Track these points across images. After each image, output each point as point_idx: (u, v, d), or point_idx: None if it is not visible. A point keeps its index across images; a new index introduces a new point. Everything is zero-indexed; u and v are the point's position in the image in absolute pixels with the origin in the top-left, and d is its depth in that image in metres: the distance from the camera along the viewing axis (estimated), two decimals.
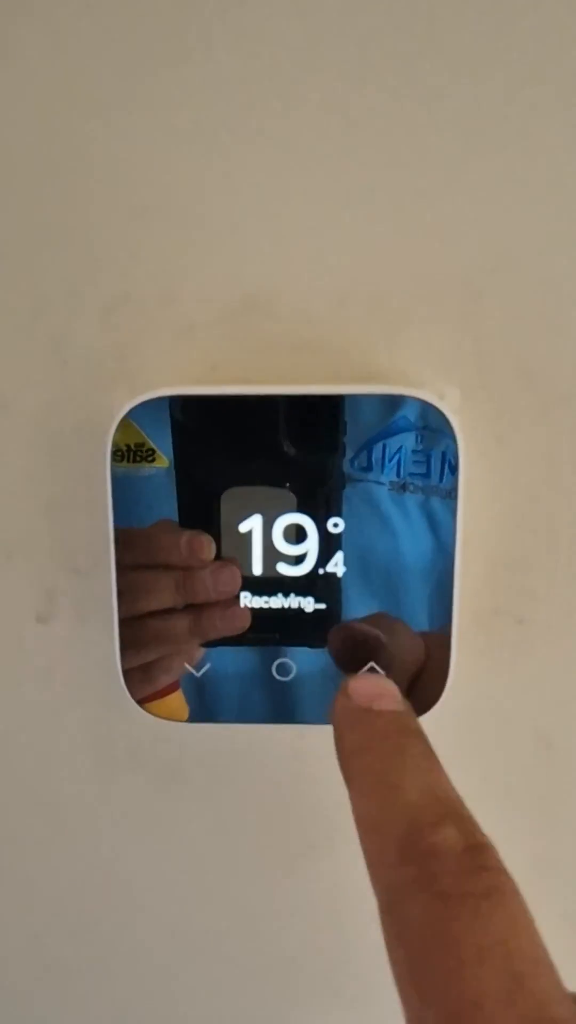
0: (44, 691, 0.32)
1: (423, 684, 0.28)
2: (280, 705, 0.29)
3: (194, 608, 0.28)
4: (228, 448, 0.27)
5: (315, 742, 0.31)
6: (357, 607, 0.28)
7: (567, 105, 0.26)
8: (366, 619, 0.28)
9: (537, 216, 0.27)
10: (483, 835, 0.19)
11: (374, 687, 0.24)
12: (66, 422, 0.29)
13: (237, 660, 0.28)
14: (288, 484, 0.27)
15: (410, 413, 0.26)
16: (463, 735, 0.31)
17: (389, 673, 0.27)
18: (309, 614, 0.28)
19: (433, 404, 0.26)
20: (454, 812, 0.20)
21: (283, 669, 0.28)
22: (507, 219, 0.27)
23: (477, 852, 0.18)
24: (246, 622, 0.28)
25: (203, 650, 0.28)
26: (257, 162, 0.27)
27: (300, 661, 0.28)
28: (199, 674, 0.28)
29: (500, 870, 0.18)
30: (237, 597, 0.28)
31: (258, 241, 0.28)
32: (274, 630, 0.28)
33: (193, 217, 0.28)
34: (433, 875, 0.18)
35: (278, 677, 0.28)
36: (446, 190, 0.27)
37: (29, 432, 0.29)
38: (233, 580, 0.28)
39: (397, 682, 0.25)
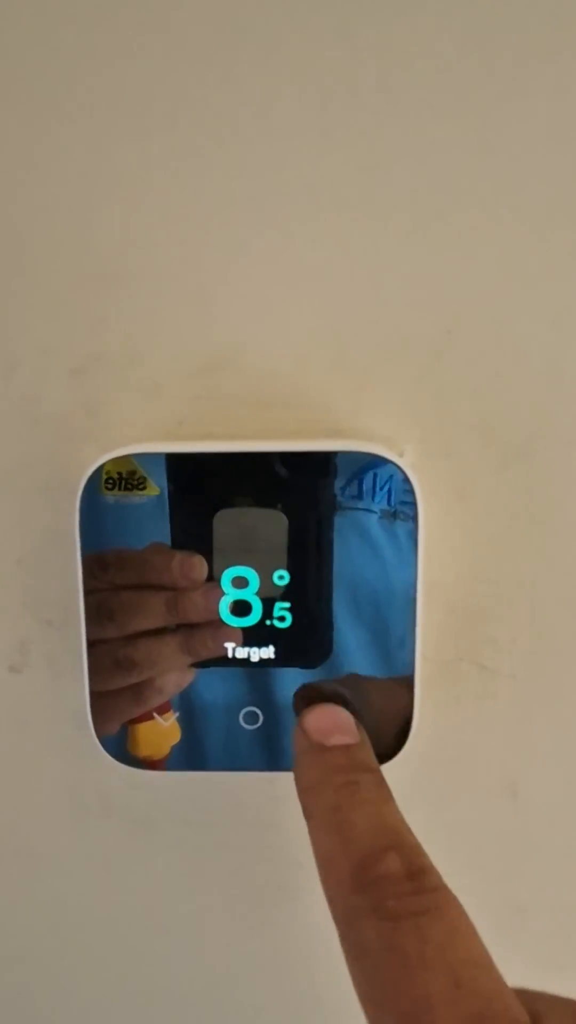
0: (17, 740, 0.32)
1: (387, 731, 0.29)
2: (250, 753, 0.29)
3: (185, 628, 0.28)
4: (218, 477, 0.28)
5: (288, 787, 0.32)
6: (344, 632, 0.28)
7: (526, 172, 0.27)
8: (335, 680, 0.28)
9: (493, 278, 0.28)
10: (423, 858, 0.22)
11: (328, 722, 0.26)
12: (37, 478, 0.30)
13: (204, 711, 0.29)
14: (280, 505, 0.28)
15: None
16: (428, 783, 0.31)
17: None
18: (299, 635, 0.28)
19: (393, 461, 0.27)
20: (398, 841, 0.22)
21: (250, 718, 0.29)
22: (464, 281, 0.28)
23: (417, 876, 0.21)
24: (237, 642, 0.28)
25: (194, 671, 0.29)
26: (222, 226, 0.28)
27: (266, 710, 0.29)
28: (166, 724, 0.29)
29: (439, 888, 0.21)
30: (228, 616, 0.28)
31: (223, 302, 0.29)
32: (265, 652, 0.29)
33: (159, 280, 0.29)
34: (381, 900, 0.20)
35: (245, 726, 0.29)
36: (405, 253, 0.28)
37: (0, 489, 0.30)
38: (221, 601, 0.28)
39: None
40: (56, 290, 0.29)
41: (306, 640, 0.28)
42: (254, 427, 0.29)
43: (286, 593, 0.28)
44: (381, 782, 0.24)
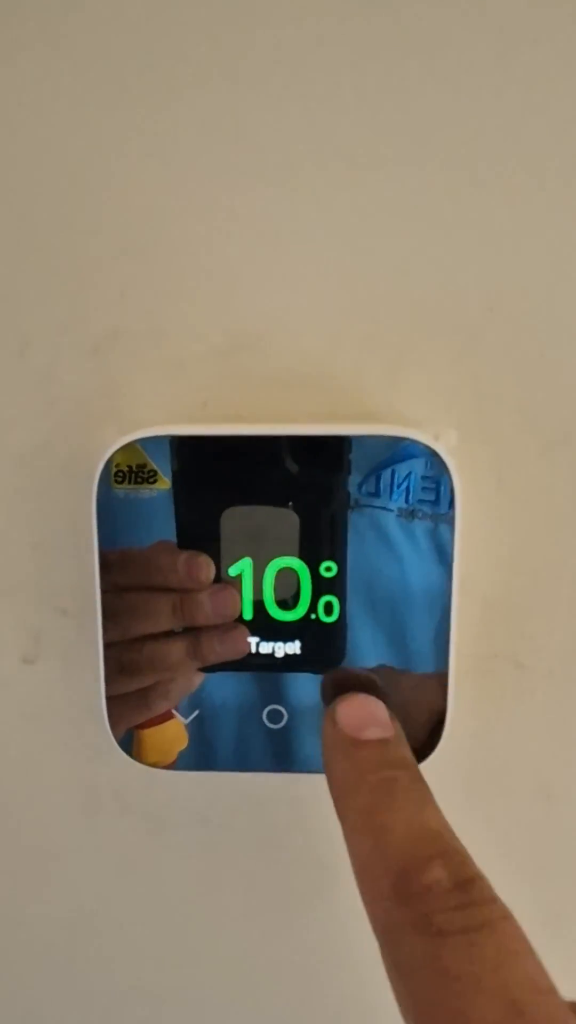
0: (30, 733, 0.31)
1: (418, 729, 0.27)
2: (272, 753, 0.28)
3: (192, 632, 0.27)
4: (229, 468, 0.26)
5: (308, 789, 0.30)
6: (361, 635, 0.27)
7: (567, 145, 0.26)
8: (368, 669, 0.27)
9: (535, 255, 0.26)
10: (472, 868, 0.20)
11: (361, 713, 0.24)
12: (54, 461, 0.28)
13: (226, 707, 0.27)
14: (291, 503, 0.26)
15: (423, 438, 0.26)
16: (461, 783, 0.30)
17: None
18: (312, 642, 0.27)
19: (429, 446, 0.25)
20: (443, 848, 0.20)
21: (274, 716, 0.27)
22: (505, 258, 0.27)
23: (466, 887, 0.19)
24: (246, 646, 0.27)
25: (202, 675, 0.27)
26: (251, 198, 0.27)
27: (291, 708, 0.27)
28: (186, 721, 0.27)
29: (490, 901, 0.19)
30: (238, 620, 0.27)
31: (251, 278, 0.27)
32: (275, 656, 0.27)
33: (184, 253, 0.27)
34: (426, 915, 0.18)
35: (269, 724, 0.27)
36: (443, 228, 0.26)
37: (16, 471, 0.29)
38: (233, 603, 0.27)
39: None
40: (73, 264, 0.27)
41: (320, 643, 0.27)
42: (281, 409, 0.28)
43: (301, 595, 0.27)
44: (419, 779, 0.23)
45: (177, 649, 0.27)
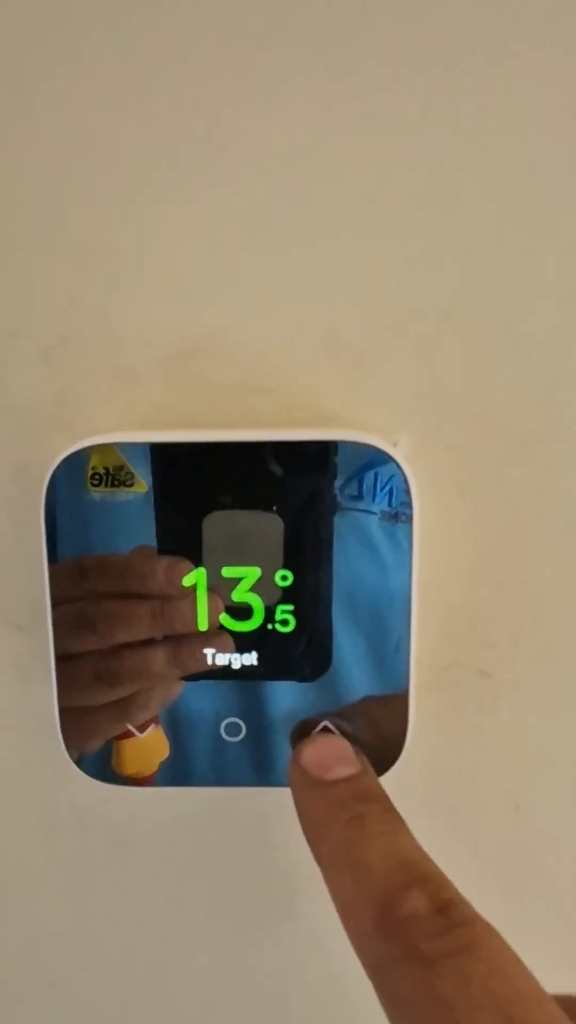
0: None
1: (383, 743, 0.27)
2: (231, 767, 0.27)
3: (174, 639, 0.26)
4: (210, 471, 0.25)
5: (270, 801, 0.30)
6: (343, 642, 0.26)
7: (524, 153, 0.25)
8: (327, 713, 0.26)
9: (495, 261, 0.26)
10: (450, 890, 0.20)
11: (325, 754, 0.24)
12: (3, 471, 0.28)
13: (184, 723, 0.27)
14: (275, 508, 0.25)
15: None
16: (427, 796, 0.29)
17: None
18: (294, 645, 0.26)
19: (386, 452, 0.25)
20: (418, 875, 0.20)
21: (232, 729, 0.27)
22: (464, 263, 0.26)
23: (446, 910, 0.19)
24: (230, 652, 0.26)
25: (183, 683, 0.27)
26: (203, 200, 0.26)
27: (248, 721, 0.27)
28: (153, 739, 0.27)
29: (471, 921, 0.19)
30: (220, 627, 0.26)
31: (204, 280, 0.26)
32: (262, 661, 0.26)
33: (135, 256, 0.26)
34: (411, 945, 0.18)
35: (227, 738, 0.27)
36: (402, 230, 0.26)
37: None
38: (215, 609, 0.26)
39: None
40: (23, 267, 0.27)
41: (305, 652, 0.26)
42: (237, 415, 0.27)
43: (285, 600, 0.26)
44: (389, 809, 0.23)
45: (158, 657, 0.26)
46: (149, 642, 0.26)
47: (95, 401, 0.27)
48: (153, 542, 0.26)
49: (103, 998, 0.33)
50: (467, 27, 0.24)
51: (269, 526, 0.25)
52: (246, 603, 0.26)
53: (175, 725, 0.27)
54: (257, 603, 0.26)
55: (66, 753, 0.27)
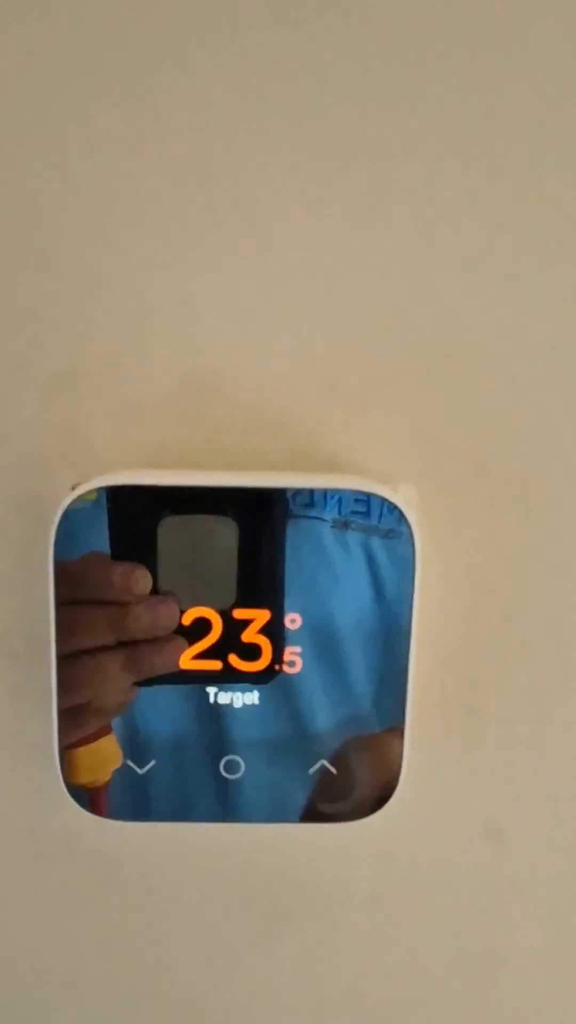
0: None
1: (376, 779, 0.27)
2: (224, 804, 0.27)
3: (128, 645, 0.26)
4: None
5: (259, 832, 0.30)
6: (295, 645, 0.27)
7: (531, 196, 0.26)
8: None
9: (491, 306, 0.27)
10: None
11: None
12: (6, 503, 0.28)
13: (182, 758, 0.27)
14: (231, 512, 0.26)
15: None
16: (413, 827, 0.30)
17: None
18: (251, 651, 0.27)
19: (391, 501, 0.25)
20: None
21: (231, 767, 0.27)
22: (462, 308, 0.27)
23: None
24: (185, 657, 0.26)
25: (137, 689, 0.27)
26: (211, 241, 0.26)
27: (248, 759, 0.27)
28: (142, 771, 0.27)
29: None
30: (175, 632, 0.26)
31: (210, 320, 0.27)
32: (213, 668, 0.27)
33: (144, 294, 0.27)
34: None
35: (226, 775, 0.27)
36: (403, 276, 0.27)
37: None
38: (171, 615, 0.26)
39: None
40: (28, 301, 0.27)
41: (258, 655, 0.27)
42: (240, 453, 0.28)
43: (241, 606, 0.26)
44: None
45: (112, 663, 0.26)
46: (103, 648, 0.26)
47: (98, 436, 0.27)
48: (104, 549, 0.26)
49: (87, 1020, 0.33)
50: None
51: (225, 534, 0.26)
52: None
53: (171, 760, 0.27)
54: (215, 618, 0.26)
55: (56, 778, 0.27)
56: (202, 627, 0.26)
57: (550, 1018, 0.32)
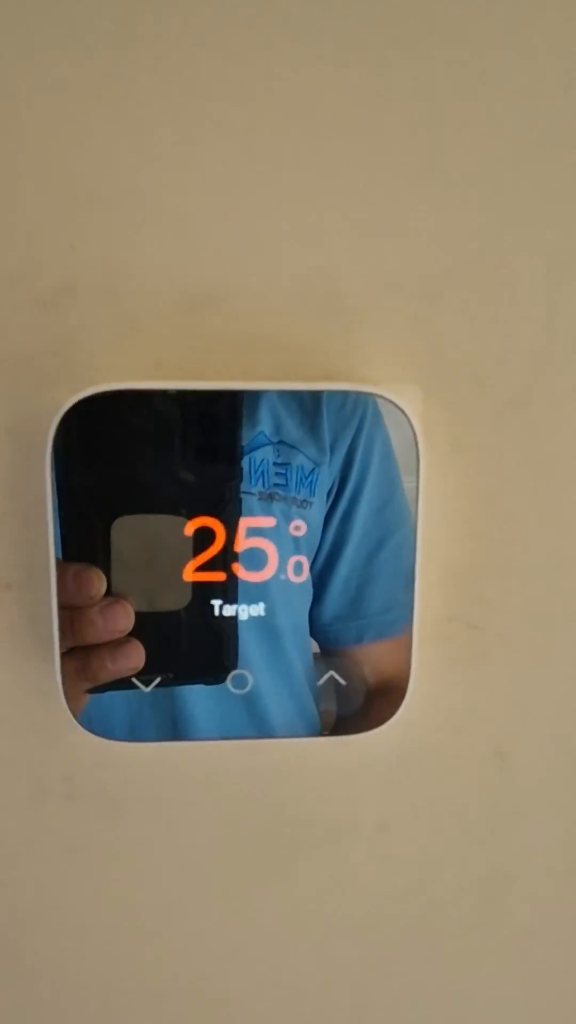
0: None
1: (381, 695, 0.27)
2: (231, 719, 0.27)
3: (82, 651, 0.25)
4: (116, 472, 0.25)
5: (265, 759, 0.30)
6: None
7: (527, 111, 0.26)
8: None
9: (494, 220, 0.27)
10: None
11: None
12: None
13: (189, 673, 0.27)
14: (184, 510, 0.25)
15: (267, 428, 0.26)
16: (416, 745, 0.30)
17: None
18: (206, 648, 0.26)
19: (398, 405, 0.25)
20: None
21: (239, 682, 0.27)
22: (465, 221, 0.27)
23: None
24: (140, 662, 0.26)
25: (87, 696, 0.26)
26: (211, 152, 0.26)
27: (257, 674, 0.27)
28: (148, 690, 0.26)
29: None
30: (129, 635, 0.26)
31: (209, 234, 0.27)
32: (168, 668, 0.26)
33: (141, 207, 0.26)
34: None
35: (234, 690, 0.27)
36: (405, 190, 0.27)
37: None
38: (126, 617, 0.25)
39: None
40: (23, 214, 0.26)
41: (210, 653, 0.26)
42: (238, 368, 0.27)
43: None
44: None
45: (66, 670, 0.26)
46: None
47: (95, 352, 0.27)
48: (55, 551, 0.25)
49: (98, 964, 0.32)
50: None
51: (180, 531, 0.25)
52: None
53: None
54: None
55: (57, 714, 0.26)
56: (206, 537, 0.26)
57: (559, 937, 0.32)
